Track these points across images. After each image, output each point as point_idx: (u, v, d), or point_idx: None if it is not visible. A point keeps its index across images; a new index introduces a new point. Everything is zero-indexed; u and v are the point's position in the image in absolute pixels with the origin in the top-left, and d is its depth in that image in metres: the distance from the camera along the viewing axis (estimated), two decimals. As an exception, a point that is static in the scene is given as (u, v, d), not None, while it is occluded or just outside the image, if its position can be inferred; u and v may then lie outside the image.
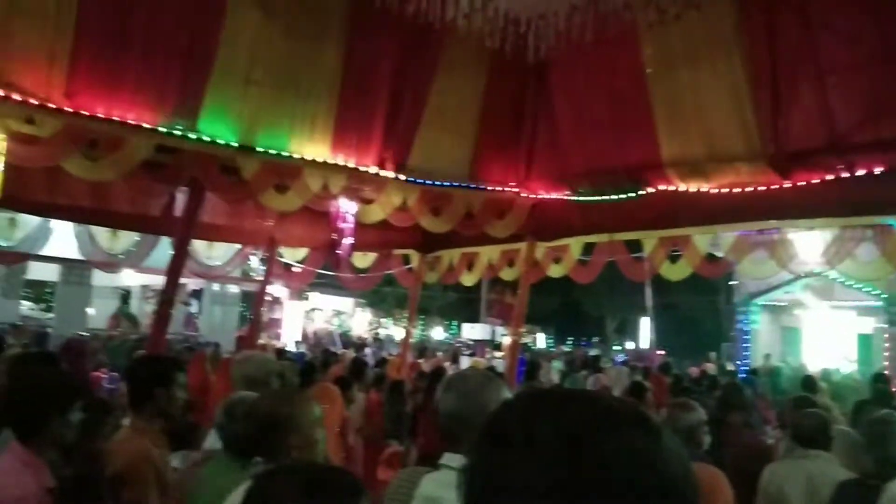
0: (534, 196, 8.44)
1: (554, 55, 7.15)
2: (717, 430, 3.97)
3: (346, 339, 21.27)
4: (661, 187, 7.14)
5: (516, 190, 8.40)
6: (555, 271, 9.50)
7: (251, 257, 13.07)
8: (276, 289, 15.93)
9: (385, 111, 7.36)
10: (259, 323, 11.05)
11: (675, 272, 8.60)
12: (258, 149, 6.63)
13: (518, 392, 0.89)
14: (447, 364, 11.91)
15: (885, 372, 10.94)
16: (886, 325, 15.08)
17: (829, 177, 5.53)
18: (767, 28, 5.67)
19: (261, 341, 11.66)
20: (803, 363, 15.24)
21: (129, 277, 14.31)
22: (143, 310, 17.34)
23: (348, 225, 7.82)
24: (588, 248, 9.31)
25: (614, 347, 30.10)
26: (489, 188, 8.24)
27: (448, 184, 7.93)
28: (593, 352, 21.23)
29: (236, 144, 6.50)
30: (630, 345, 29.68)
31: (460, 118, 7.92)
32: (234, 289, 16.70)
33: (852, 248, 6.61)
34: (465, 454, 0.77)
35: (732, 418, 4.09)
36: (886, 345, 14.84)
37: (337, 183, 7.15)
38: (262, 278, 10.72)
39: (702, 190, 6.74)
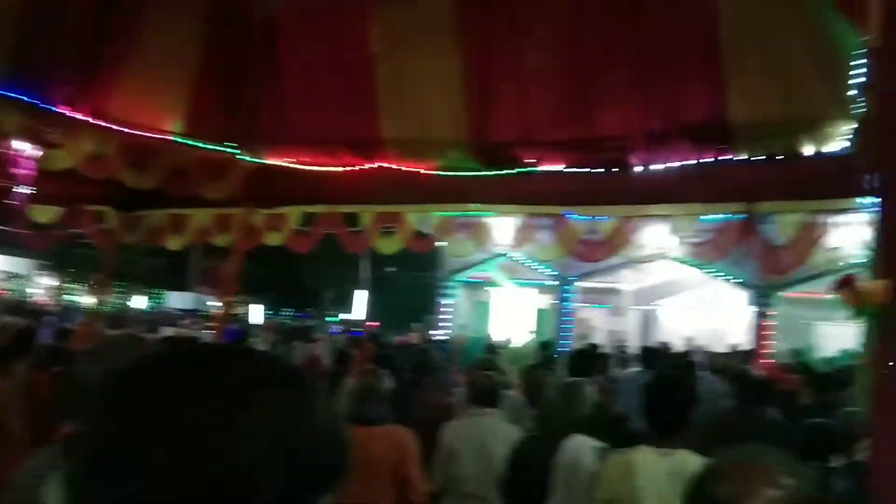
0: (255, 160, 8.11)
1: (282, 16, 6.91)
2: (410, 391, 4.29)
3: (16, 307, 18.22)
4: (380, 164, 7.40)
5: (236, 152, 7.98)
6: (272, 239, 9.27)
7: None
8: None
9: (84, 42, 6.35)
10: None
11: (388, 246, 9.01)
12: None
13: (153, 353, 0.83)
14: (145, 335, 10.94)
15: (550, 340, 13.18)
16: (558, 301, 17.93)
17: (519, 169, 6.31)
18: (480, 24, 6.21)
19: None
20: (489, 333, 17.46)
21: None
22: None
23: (26, 171, 6.66)
24: (308, 219, 9.28)
25: (329, 319, 30.69)
26: (205, 146, 7.68)
27: (157, 136, 7.19)
28: (309, 322, 21.40)
29: None
30: (346, 316, 30.55)
31: (177, 65, 7.20)
32: None
33: (534, 233, 7.63)
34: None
35: (424, 380, 4.46)
36: (556, 317, 17.80)
37: (11, 120, 6.02)
38: None
39: (416, 170, 7.15)
